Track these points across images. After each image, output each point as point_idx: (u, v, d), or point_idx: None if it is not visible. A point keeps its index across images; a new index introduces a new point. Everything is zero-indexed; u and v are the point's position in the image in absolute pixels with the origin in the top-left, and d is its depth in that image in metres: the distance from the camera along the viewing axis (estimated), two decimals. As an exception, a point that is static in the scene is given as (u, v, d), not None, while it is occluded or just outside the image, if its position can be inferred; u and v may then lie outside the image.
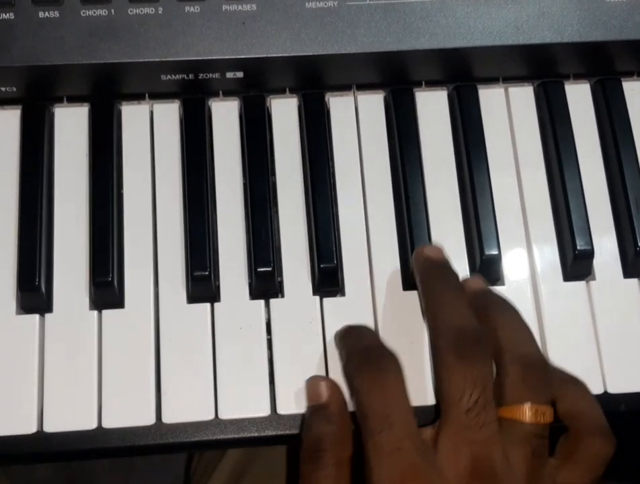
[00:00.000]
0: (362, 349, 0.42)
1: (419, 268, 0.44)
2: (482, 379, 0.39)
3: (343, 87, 0.50)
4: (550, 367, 0.43)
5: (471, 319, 0.41)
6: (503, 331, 0.41)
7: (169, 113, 0.49)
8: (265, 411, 0.43)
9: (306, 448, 0.40)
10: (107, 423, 0.43)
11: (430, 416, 0.43)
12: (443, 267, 0.44)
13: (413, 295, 0.46)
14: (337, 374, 0.44)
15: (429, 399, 0.44)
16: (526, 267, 0.47)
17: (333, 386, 0.42)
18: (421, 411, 0.43)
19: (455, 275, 0.44)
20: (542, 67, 0.50)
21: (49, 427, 0.43)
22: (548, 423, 0.40)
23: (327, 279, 0.45)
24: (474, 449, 0.38)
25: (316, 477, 0.39)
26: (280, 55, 0.46)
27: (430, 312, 0.43)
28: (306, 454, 0.40)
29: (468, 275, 0.46)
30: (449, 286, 0.43)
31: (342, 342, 0.44)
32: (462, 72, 0.50)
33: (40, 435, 0.43)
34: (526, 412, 0.39)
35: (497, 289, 0.46)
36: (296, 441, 0.42)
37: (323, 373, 0.44)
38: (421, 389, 0.44)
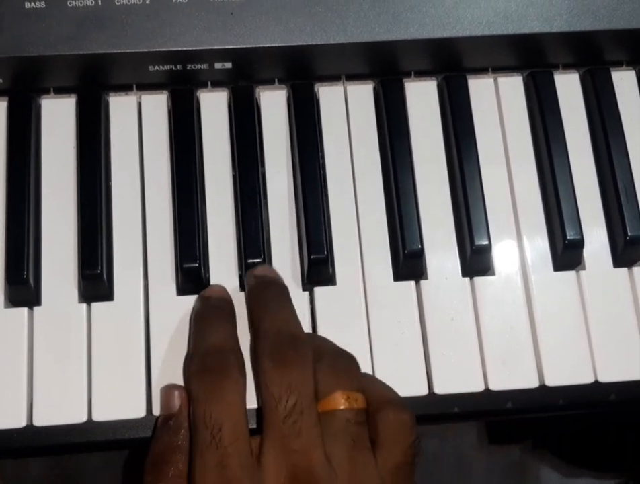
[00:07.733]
0: (204, 351, 0.40)
1: (248, 282, 0.44)
2: (298, 384, 0.38)
3: (332, 78, 0.50)
4: None
5: (291, 324, 0.41)
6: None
7: (157, 105, 0.49)
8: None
9: (149, 458, 0.40)
10: (98, 416, 0.42)
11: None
12: (270, 280, 0.44)
13: (404, 286, 0.46)
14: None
15: (417, 389, 0.44)
16: (516, 257, 0.47)
17: (186, 396, 0.41)
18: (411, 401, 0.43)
19: (280, 286, 0.44)
20: (532, 57, 0.50)
21: (39, 421, 0.42)
22: (362, 408, 0.40)
23: (318, 270, 0.45)
24: (294, 458, 0.37)
25: None
26: (269, 45, 0.46)
27: (253, 320, 0.43)
28: (148, 464, 0.39)
29: (459, 267, 0.46)
30: (272, 294, 0.43)
31: (192, 331, 0.43)
32: (452, 63, 0.49)
33: (30, 429, 0.42)
34: (339, 399, 0.39)
35: (488, 279, 0.46)
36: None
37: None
38: (416, 380, 0.44)
